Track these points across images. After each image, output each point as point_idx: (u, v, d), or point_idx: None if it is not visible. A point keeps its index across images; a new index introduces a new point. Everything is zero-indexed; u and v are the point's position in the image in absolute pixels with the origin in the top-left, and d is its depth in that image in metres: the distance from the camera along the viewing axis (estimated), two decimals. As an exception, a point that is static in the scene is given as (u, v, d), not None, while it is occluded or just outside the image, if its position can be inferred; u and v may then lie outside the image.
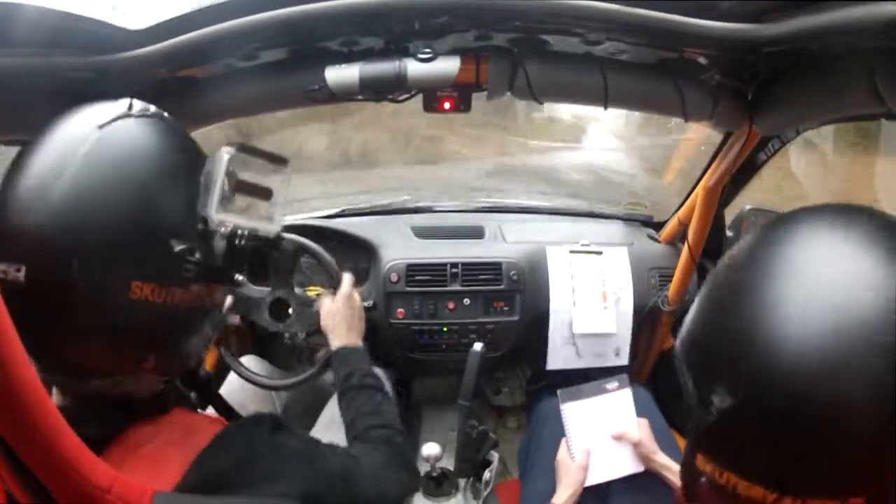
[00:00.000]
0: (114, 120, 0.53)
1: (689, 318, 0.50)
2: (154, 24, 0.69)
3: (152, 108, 0.57)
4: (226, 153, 0.57)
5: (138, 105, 0.56)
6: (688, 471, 0.49)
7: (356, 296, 0.94)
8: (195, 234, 0.54)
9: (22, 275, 0.45)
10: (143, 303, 0.49)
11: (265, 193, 0.62)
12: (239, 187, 0.59)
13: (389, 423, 0.76)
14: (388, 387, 1.22)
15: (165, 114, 0.58)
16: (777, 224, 0.47)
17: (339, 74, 0.77)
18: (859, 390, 0.38)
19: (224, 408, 0.84)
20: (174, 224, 0.52)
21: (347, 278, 0.94)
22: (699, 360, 0.47)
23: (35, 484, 0.38)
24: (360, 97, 0.81)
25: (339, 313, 0.89)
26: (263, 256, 1.15)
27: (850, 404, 0.39)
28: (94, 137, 0.50)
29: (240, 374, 1.06)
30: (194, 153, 0.58)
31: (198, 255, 0.53)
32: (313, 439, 0.63)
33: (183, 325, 0.56)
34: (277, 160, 0.63)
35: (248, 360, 1.17)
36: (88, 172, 0.49)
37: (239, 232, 0.59)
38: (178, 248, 0.52)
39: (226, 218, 0.57)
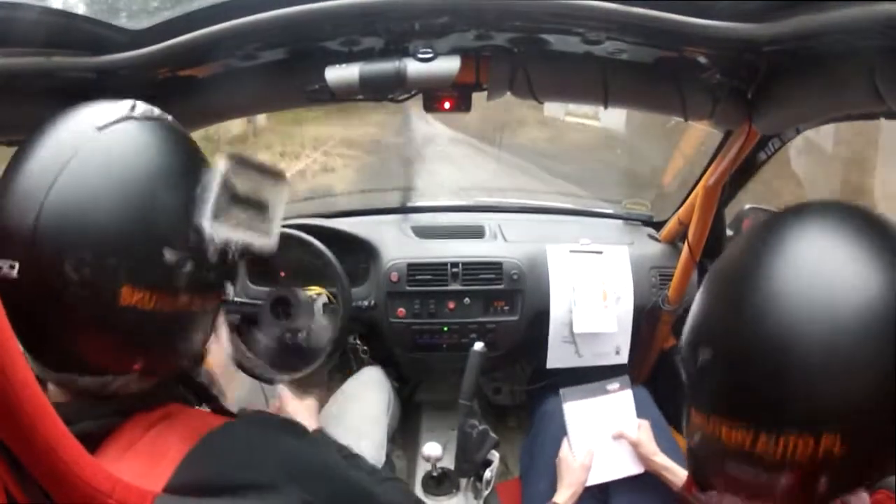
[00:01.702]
0: (114, 122, 0.52)
1: (694, 308, 0.54)
2: (154, 24, 0.69)
3: (156, 111, 0.56)
4: (222, 164, 0.57)
5: (141, 107, 0.55)
6: (687, 434, 0.54)
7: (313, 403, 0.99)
8: (188, 244, 0.53)
9: (15, 271, 0.46)
10: (132, 308, 0.49)
11: (261, 207, 0.61)
12: (234, 200, 0.58)
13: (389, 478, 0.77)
14: (389, 387, 1.23)
15: (169, 117, 0.57)
16: (776, 220, 0.50)
17: (339, 74, 0.77)
18: (820, 323, 0.43)
19: (221, 409, 0.84)
20: (168, 232, 0.52)
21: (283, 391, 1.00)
22: (697, 337, 0.52)
23: (36, 488, 0.38)
24: (360, 97, 0.81)
25: (303, 409, 0.94)
26: (265, 258, 1.15)
27: (810, 337, 0.43)
28: (93, 139, 0.50)
29: (244, 370, 1.06)
30: (195, 160, 0.57)
31: (189, 266, 0.53)
32: (331, 443, 0.62)
33: (173, 331, 0.55)
34: (274, 174, 0.63)
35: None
36: (85, 174, 0.48)
37: (232, 245, 0.58)
38: (171, 257, 0.51)
39: (220, 231, 0.56)
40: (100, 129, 0.51)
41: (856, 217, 0.47)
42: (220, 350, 0.97)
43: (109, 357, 0.52)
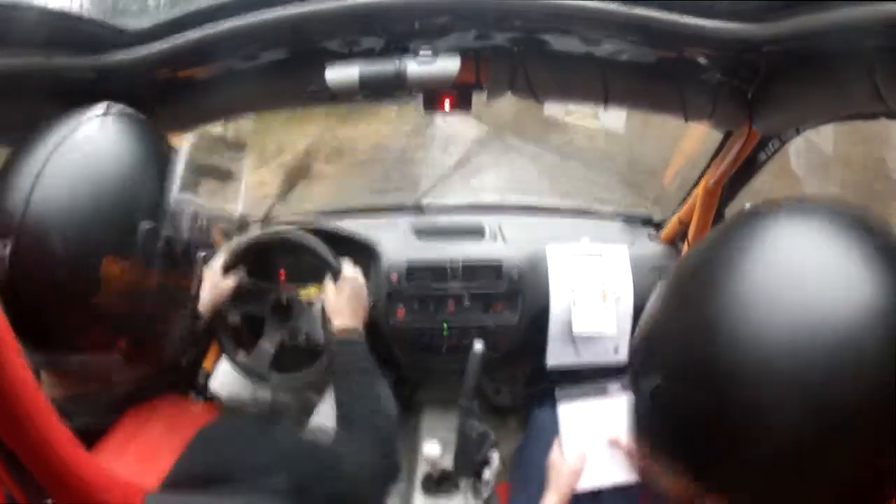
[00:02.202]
0: (93, 118, 0.58)
1: (646, 310, 0.49)
2: (154, 24, 0.69)
3: (129, 110, 0.62)
4: (186, 141, 0.64)
5: (116, 107, 0.61)
6: (637, 456, 0.50)
7: (360, 279, 0.96)
8: (162, 216, 0.59)
9: (8, 250, 0.51)
10: (113, 280, 0.54)
11: (225, 175, 0.68)
12: (200, 171, 0.65)
13: (380, 409, 0.78)
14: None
15: (141, 115, 0.63)
16: (740, 219, 0.45)
17: (339, 74, 0.77)
18: (790, 386, 0.35)
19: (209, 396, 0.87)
20: (142, 207, 0.57)
21: (348, 263, 0.97)
22: (646, 356, 0.46)
23: (33, 485, 0.38)
24: (360, 97, 0.81)
25: (343, 294, 0.92)
26: (265, 258, 1.15)
27: (779, 399, 0.35)
28: (73, 132, 0.56)
29: (242, 370, 1.06)
30: (164, 146, 0.64)
31: (164, 236, 0.58)
32: (301, 433, 0.64)
33: (153, 307, 0.59)
34: (237, 145, 0.69)
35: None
36: (67, 161, 0.54)
37: (202, 213, 0.64)
38: (146, 226, 0.56)
39: (189, 201, 0.62)
40: (80, 123, 0.57)
41: (835, 217, 0.40)
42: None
43: (95, 332, 0.56)
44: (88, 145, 0.56)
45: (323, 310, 1.17)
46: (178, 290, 0.63)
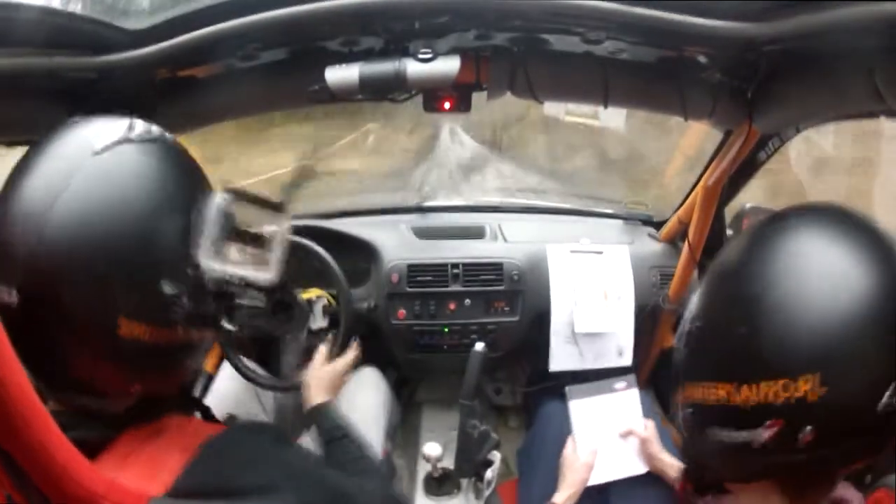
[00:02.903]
0: (111, 146, 0.51)
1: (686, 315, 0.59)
2: (154, 24, 0.69)
3: (155, 130, 0.55)
4: (220, 198, 0.56)
5: (139, 127, 0.54)
6: (678, 412, 0.58)
7: (343, 364, 0.99)
8: (187, 278, 0.52)
9: (14, 298, 0.46)
10: (129, 339, 0.49)
11: (260, 240, 0.60)
12: (233, 235, 0.57)
13: (374, 469, 0.81)
14: (385, 388, 1.22)
15: (168, 135, 0.56)
16: (771, 224, 0.55)
17: (339, 74, 0.77)
18: (795, 280, 0.48)
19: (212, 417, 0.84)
20: (166, 264, 0.51)
21: (355, 345, 1.02)
22: (692, 318, 0.57)
23: (34, 489, 0.38)
24: (360, 97, 0.81)
25: (325, 378, 0.94)
26: None
27: (784, 290, 0.48)
28: (88, 164, 0.49)
29: (245, 376, 1.06)
30: (194, 184, 0.56)
31: (186, 300, 0.52)
32: (313, 455, 0.63)
33: (170, 359, 0.56)
34: (275, 206, 0.62)
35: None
36: (80, 202, 0.48)
37: (231, 280, 0.57)
38: (169, 291, 0.50)
39: (218, 267, 0.55)
40: (97, 153, 0.50)
41: (848, 220, 0.51)
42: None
43: (107, 381, 0.52)
44: (107, 183, 0.49)
45: (324, 310, 1.18)
46: (200, 343, 0.59)
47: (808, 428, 0.45)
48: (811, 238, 0.50)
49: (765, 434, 0.46)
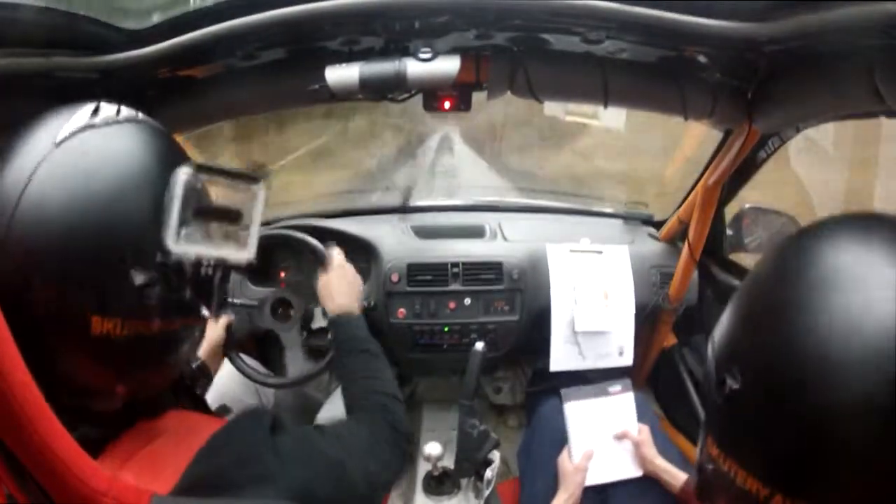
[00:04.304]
0: (72, 134, 0.48)
1: (722, 325, 0.49)
2: (154, 24, 0.69)
3: (125, 111, 0.52)
4: (182, 175, 0.51)
5: (105, 111, 0.51)
6: (700, 456, 0.49)
7: (347, 265, 0.95)
8: (156, 264, 0.49)
9: None
10: (105, 338, 0.47)
11: (233, 216, 0.55)
12: (203, 211, 0.53)
13: (386, 389, 0.77)
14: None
15: (140, 116, 0.53)
16: (808, 234, 0.46)
17: (339, 74, 0.77)
18: (877, 396, 0.35)
19: (208, 410, 0.83)
20: (135, 253, 0.48)
21: (335, 251, 0.96)
22: (727, 360, 0.46)
23: (35, 486, 0.38)
24: (360, 96, 0.81)
25: (330, 282, 0.91)
26: (264, 261, 1.15)
27: (862, 409, 0.36)
28: (50, 157, 0.47)
29: (245, 374, 1.06)
30: (168, 164, 0.52)
31: (159, 288, 0.49)
32: (308, 434, 0.62)
33: (152, 354, 0.53)
34: (246, 178, 0.56)
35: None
36: (43, 195, 0.45)
37: (205, 261, 0.52)
38: (140, 281, 0.47)
39: (187, 249, 0.51)
40: (57, 144, 0.48)
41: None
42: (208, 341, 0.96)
43: (88, 381, 0.50)
44: (67, 174, 0.46)
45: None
46: (184, 333, 0.55)
47: None
48: None
49: None
